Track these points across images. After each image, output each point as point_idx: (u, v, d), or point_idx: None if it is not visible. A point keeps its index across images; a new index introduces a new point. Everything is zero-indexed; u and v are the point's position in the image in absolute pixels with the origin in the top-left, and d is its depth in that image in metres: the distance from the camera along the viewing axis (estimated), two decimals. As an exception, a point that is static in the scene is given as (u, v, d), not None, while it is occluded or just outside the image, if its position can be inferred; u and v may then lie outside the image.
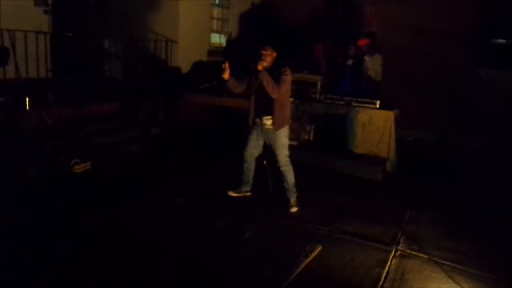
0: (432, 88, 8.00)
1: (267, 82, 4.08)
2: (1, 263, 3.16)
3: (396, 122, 6.17)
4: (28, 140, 5.07)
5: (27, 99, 5.33)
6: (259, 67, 4.08)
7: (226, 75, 4.17)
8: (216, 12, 9.56)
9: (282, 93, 4.21)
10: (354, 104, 6.27)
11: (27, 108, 5.32)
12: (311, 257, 3.54)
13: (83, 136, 5.68)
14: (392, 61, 7.13)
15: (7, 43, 5.72)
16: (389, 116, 6.11)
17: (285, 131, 4.41)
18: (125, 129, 6.42)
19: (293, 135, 6.64)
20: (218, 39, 9.75)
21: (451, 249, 3.82)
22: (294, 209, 4.50)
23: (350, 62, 6.89)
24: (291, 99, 6.59)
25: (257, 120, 4.39)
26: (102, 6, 7.80)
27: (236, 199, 4.74)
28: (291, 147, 6.31)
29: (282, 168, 4.46)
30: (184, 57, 8.07)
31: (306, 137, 6.59)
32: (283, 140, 4.41)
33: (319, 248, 3.68)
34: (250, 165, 4.63)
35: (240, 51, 9.13)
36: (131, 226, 3.92)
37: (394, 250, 3.77)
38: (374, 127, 6.17)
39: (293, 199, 4.53)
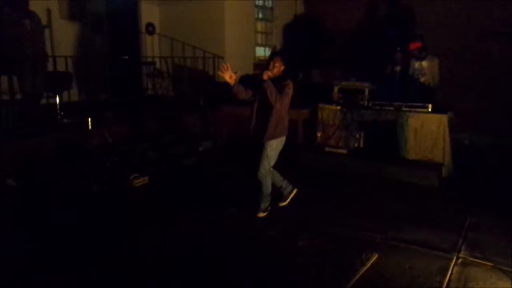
0: (489, 89, 7.67)
1: (271, 91, 4.10)
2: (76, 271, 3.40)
3: (450, 126, 5.97)
4: (91, 157, 5.44)
5: (89, 119, 5.74)
6: (265, 77, 4.12)
7: (226, 75, 4.17)
8: (260, 26, 9.76)
9: (283, 104, 4.22)
10: (404, 109, 6.14)
11: (90, 127, 5.72)
12: (368, 265, 3.50)
13: (140, 152, 6.00)
14: (445, 63, 6.91)
15: (70, 68, 6.19)
16: (442, 119, 5.93)
17: (275, 144, 4.34)
18: (179, 143, 6.69)
19: (342, 143, 6.63)
20: (263, 52, 9.93)
21: (517, 256, 3.63)
22: (261, 214, 4.49)
23: (398, 68, 6.72)
24: (338, 107, 6.62)
25: (255, 130, 4.36)
26: (153, 29, 8.23)
27: (287, 207, 4.78)
28: (341, 155, 6.40)
29: (260, 177, 4.41)
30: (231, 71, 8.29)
31: (356, 144, 6.53)
32: (269, 152, 4.33)
33: (375, 256, 3.64)
34: (272, 175, 4.58)
35: (284, 63, 9.28)
36: (191, 238, 4.08)
37: (455, 258, 3.64)
38: (427, 131, 6.00)
39: (263, 205, 4.51)
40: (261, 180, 4.47)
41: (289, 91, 4.22)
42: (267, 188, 4.51)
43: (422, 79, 6.56)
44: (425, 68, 6.49)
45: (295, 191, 4.83)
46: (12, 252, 3.65)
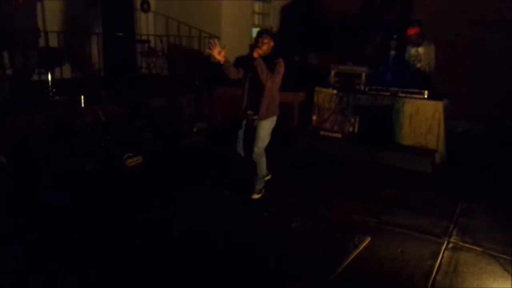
0: (483, 77, 7.66)
1: (262, 69, 4.03)
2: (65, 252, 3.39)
3: (445, 113, 5.98)
4: (84, 135, 5.37)
5: (82, 97, 5.64)
6: (255, 54, 4.03)
7: (215, 51, 4.06)
8: (257, 6, 9.61)
9: (274, 83, 4.18)
10: (400, 94, 6.12)
11: (82, 105, 5.63)
12: (360, 248, 3.54)
13: (134, 131, 5.94)
14: (440, 50, 6.88)
15: (62, 44, 6.06)
16: (437, 106, 5.93)
17: (269, 124, 4.32)
18: (174, 123, 6.63)
19: (337, 128, 6.62)
20: (259, 33, 9.81)
21: (506, 242, 3.67)
22: (256, 196, 4.48)
23: (392, 53, 6.66)
24: (335, 91, 6.59)
25: (248, 111, 4.33)
26: (148, 7, 8.06)
27: (281, 190, 4.79)
28: (335, 140, 6.40)
29: (255, 158, 4.38)
30: (227, 52, 8.18)
31: (350, 129, 6.52)
32: (264, 131, 4.31)
33: (368, 239, 3.67)
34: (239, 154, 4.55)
35: (281, 45, 9.18)
36: (181, 217, 4.07)
37: (446, 242, 3.69)
38: (422, 118, 6.00)
39: (258, 187, 4.50)
40: (255, 161, 4.44)
41: (280, 69, 4.15)
42: (262, 169, 4.49)
43: (418, 65, 6.51)
44: (421, 54, 6.44)
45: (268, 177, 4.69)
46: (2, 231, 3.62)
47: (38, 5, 6.05)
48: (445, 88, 6.70)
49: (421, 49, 6.46)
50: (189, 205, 4.33)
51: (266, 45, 4.12)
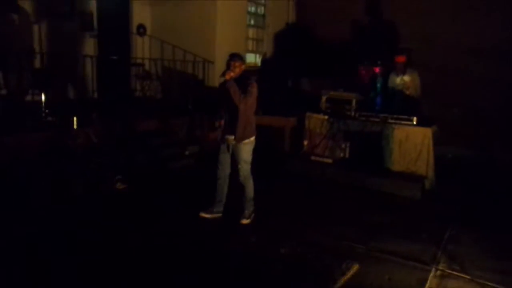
0: (472, 104, 7.82)
1: (234, 91, 4.14)
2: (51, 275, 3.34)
3: (434, 139, 6.07)
4: (75, 157, 5.36)
5: (74, 118, 5.66)
6: (227, 77, 4.15)
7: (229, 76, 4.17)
8: (251, 32, 9.80)
9: (248, 105, 4.25)
10: (390, 121, 6.22)
11: (75, 127, 5.64)
12: (348, 275, 3.52)
13: (125, 154, 5.94)
14: (429, 78, 7.04)
15: (57, 65, 6.12)
16: (426, 132, 6.02)
17: (249, 145, 4.39)
18: (166, 146, 6.64)
19: (328, 153, 6.67)
20: (253, 58, 9.97)
21: (494, 270, 3.69)
22: (245, 221, 4.48)
23: (379, 79, 6.79)
24: (326, 117, 6.67)
25: (224, 134, 4.38)
26: (144, 31, 8.19)
27: (270, 215, 4.79)
28: (326, 165, 6.45)
29: (242, 181, 4.45)
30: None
31: (341, 154, 6.58)
32: (245, 154, 4.38)
33: (356, 266, 3.66)
34: (222, 183, 4.55)
35: (274, 70, 9.33)
36: (167, 241, 4.05)
37: (434, 270, 3.69)
38: (411, 144, 6.08)
39: (247, 212, 4.51)
40: (244, 183, 4.48)
41: (253, 89, 4.24)
42: (250, 191, 4.52)
43: (407, 92, 6.63)
44: (408, 82, 6.57)
45: (221, 214, 4.63)
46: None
47: (34, 26, 6.14)
48: (435, 114, 6.83)
49: (406, 77, 6.57)
50: (177, 228, 4.31)
51: (238, 68, 4.22)
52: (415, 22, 8.32)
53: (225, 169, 4.52)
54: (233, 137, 4.32)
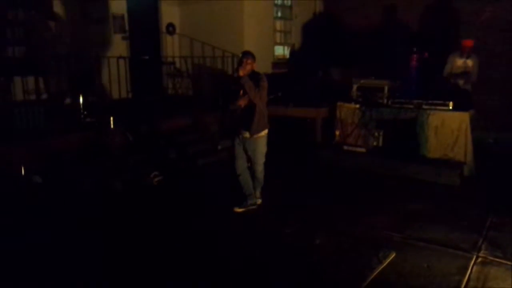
0: (509, 86, 7.48)
1: (249, 86, 4.24)
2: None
3: (473, 124, 5.87)
4: (113, 155, 5.58)
5: (111, 118, 5.88)
6: (241, 73, 4.24)
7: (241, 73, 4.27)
8: (278, 25, 9.75)
9: (262, 99, 4.38)
10: (424, 107, 6.06)
11: (111, 126, 5.86)
12: (385, 263, 3.50)
13: (160, 150, 6.11)
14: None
15: (93, 68, 6.36)
16: (464, 117, 5.83)
17: (264, 139, 4.50)
18: (198, 142, 6.78)
19: (361, 142, 6.59)
20: (281, 51, 9.93)
21: (539, 256, 3.56)
22: (260, 201, 4.71)
23: (415, 65, 6.65)
24: (357, 106, 6.59)
25: (238, 128, 4.48)
26: (173, 29, 8.35)
27: (305, 206, 4.81)
28: (359, 154, 6.38)
29: (258, 174, 4.61)
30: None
31: (374, 143, 6.48)
32: (261, 147, 4.50)
33: (393, 254, 3.62)
34: (244, 177, 4.62)
35: (303, 61, 9.27)
36: (209, 233, 4.15)
37: (475, 257, 3.59)
38: (448, 130, 5.91)
39: (258, 192, 4.74)
40: (258, 176, 4.63)
41: (264, 84, 4.37)
42: (262, 178, 4.68)
43: (466, 78, 6.52)
44: (470, 66, 6.45)
45: (255, 206, 4.72)
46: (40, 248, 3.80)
47: (71, 32, 6.40)
48: (477, 99, 6.60)
49: (470, 61, 6.44)
50: (213, 220, 4.42)
51: (250, 65, 4.32)
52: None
53: (243, 163, 4.62)
54: (247, 132, 4.41)
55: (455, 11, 8.02)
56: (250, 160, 4.61)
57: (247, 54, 4.37)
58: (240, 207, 4.66)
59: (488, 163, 6.08)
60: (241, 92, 4.35)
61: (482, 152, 6.11)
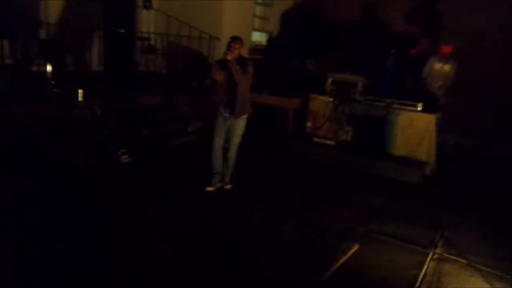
0: (478, 93, 7.80)
1: (236, 70, 4.44)
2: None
3: (438, 126, 6.10)
4: (80, 129, 5.39)
5: (80, 90, 5.66)
6: (228, 57, 4.41)
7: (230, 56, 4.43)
8: (258, 10, 9.68)
9: (247, 83, 4.59)
10: (395, 106, 6.24)
11: (80, 99, 5.65)
12: (348, 255, 3.62)
13: (130, 128, 5.97)
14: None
15: (63, 36, 6.07)
16: (430, 119, 6.04)
17: (244, 120, 4.73)
18: (169, 122, 6.67)
19: (331, 135, 6.70)
20: (259, 37, 9.88)
21: (490, 255, 3.79)
22: (229, 186, 4.86)
23: (390, 64, 6.82)
24: (330, 99, 6.69)
25: (222, 108, 4.67)
26: (150, 4, 8.08)
27: (271, 194, 4.87)
28: (328, 147, 6.50)
29: (231, 153, 4.79)
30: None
31: (344, 137, 6.61)
32: (241, 128, 4.73)
33: (356, 247, 3.75)
34: (218, 154, 4.80)
35: (280, 50, 9.26)
36: (170, 215, 4.13)
37: (431, 253, 3.79)
38: (415, 130, 6.11)
39: (228, 178, 4.88)
40: (232, 155, 4.79)
41: (251, 69, 4.59)
42: (234, 163, 4.83)
43: (441, 82, 6.73)
44: (447, 71, 6.66)
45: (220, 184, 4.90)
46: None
47: (41, -3, 6.08)
48: (445, 102, 6.83)
49: (447, 66, 6.65)
50: (176, 201, 4.39)
51: (238, 50, 4.47)
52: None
53: (220, 140, 4.78)
54: (231, 113, 4.61)
55: (438, 14, 8.21)
56: (227, 140, 4.76)
57: (235, 39, 4.48)
58: (210, 186, 4.79)
59: (449, 165, 6.36)
60: (226, 75, 4.48)
61: (444, 154, 6.37)
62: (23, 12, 5.38)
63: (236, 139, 4.75)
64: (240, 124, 4.71)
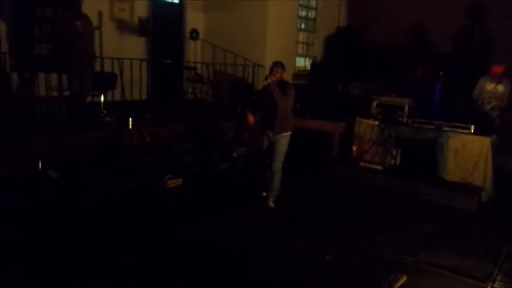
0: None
1: (276, 92, 4.81)
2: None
3: (494, 149, 5.74)
4: (129, 155, 5.62)
5: (130, 119, 5.94)
6: (269, 81, 4.84)
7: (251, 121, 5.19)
8: (301, 36, 9.77)
9: (287, 103, 4.91)
10: (445, 128, 5.96)
11: (130, 127, 5.92)
12: (396, 287, 3.42)
13: (176, 154, 6.14)
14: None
15: (115, 69, 6.44)
16: (485, 142, 5.71)
17: (285, 139, 5.00)
18: (214, 148, 6.79)
19: (378, 159, 6.51)
20: (303, 62, 9.93)
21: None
22: (272, 205, 5.08)
23: (439, 85, 6.58)
24: (376, 122, 6.52)
25: (267, 130, 5.09)
26: (196, 35, 8.42)
27: (317, 220, 4.76)
28: (376, 171, 6.30)
29: (274, 170, 5.03)
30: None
31: (392, 161, 6.38)
32: (282, 146, 4.99)
33: (404, 278, 3.54)
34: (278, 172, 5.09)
35: (324, 74, 9.23)
36: (217, 238, 4.13)
37: (489, 288, 3.49)
38: (468, 153, 5.79)
39: (272, 198, 5.10)
40: (275, 172, 5.03)
41: (292, 91, 4.95)
42: (279, 180, 5.07)
43: (494, 103, 6.44)
44: (500, 92, 6.34)
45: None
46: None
47: (96, 32, 6.51)
48: (501, 123, 6.46)
49: (500, 87, 6.34)
50: (221, 228, 4.40)
51: (279, 74, 4.90)
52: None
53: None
54: (271, 132, 4.98)
55: (488, 33, 7.87)
56: (271, 157, 5.08)
57: (277, 63, 4.94)
58: (271, 202, 5.13)
59: (508, 191, 5.91)
60: (269, 98, 4.88)
61: (502, 178, 5.95)
62: (80, 47, 5.76)
63: (279, 156, 4.99)
64: (281, 142, 4.96)
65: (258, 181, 5.67)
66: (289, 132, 5.01)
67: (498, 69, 6.31)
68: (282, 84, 4.91)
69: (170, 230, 4.27)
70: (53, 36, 6.06)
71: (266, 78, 4.93)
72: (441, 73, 6.52)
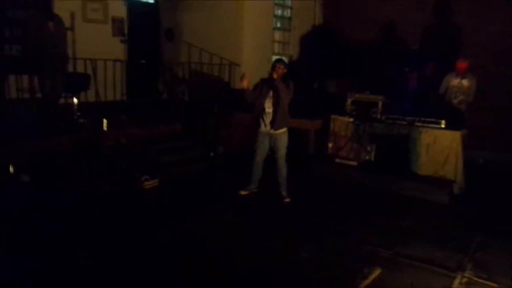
0: (508, 109, 7.55)
1: (282, 88, 4.97)
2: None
3: (464, 143, 5.91)
4: (104, 157, 5.55)
5: (104, 120, 5.86)
6: (275, 76, 4.95)
7: (245, 84, 5.07)
8: (277, 35, 9.81)
9: (288, 100, 5.08)
10: (417, 124, 6.11)
11: (105, 128, 5.84)
12: (370, 280, 3.49)
13: (152, 154, 6.09)
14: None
15: (89, 70, 6.35)
16: (455, 136, 5.87)
17: (286, 134, 5.21)
18: (191, 148, 6.76)
19: (353, 155, 6.61)
20: (279, 61, 9.99)
21: (523, 279, 3.57)
22: (288, 200, 5.24)
23: (413, 86, 6.75)
24: (351, 119, 6.63)
25: (264, 124, 5.18)
26: (171, 35, 8.37)
27: (293, 216, 4.81)
28: (351, 167, 6.40)
29: (280, 164, 5.23)
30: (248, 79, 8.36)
31: (366, 157, 6.50)
32: (284, 141, 5.19)
33: (379, 271, 3.62)
34: (259, 166, 5.33)
35: (300, 72, 9.31)
36: (195, 237, 4.13)
37: (460, 277, 3.60)
38: (439, 147, 5.95)
39: (285, 192, 5.29)
40: (281, 167, 5.23)
41: (292, 88, 5.10)
42: (286, 173, 5.27)
43: (460, 97, 6.59)
44: (465, 86, 6.51)
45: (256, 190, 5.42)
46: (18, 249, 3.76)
47: (69, 33, 6.40)
48: (470, 117, 6.65)
49: (465, 82, 6.51)
50: (197, 227, 4.40)
51: (281, 70, 5.02)
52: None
53: (262, 155, 5.30)
54: (272, 128, 5.11)
55: (455, 29, 8.09)
56: (274, 153, 5.27)
57: (279, 60, 5.16)
58: (244, 190, 5.37)
59: (478, 183, 6.11)
60: (272, 93, 5.05)
61: (472, 171, 6.13)
62: (52, 48, 5.65)
63: (281, 151, 5.20)
64: (282, 137, 5.17)
65: (236, 180, 5.70)
66: (287, 127, 5.21)
67: (462, 64, 6.49)
68: (283, 81, 5.05)
69: (145, 231, 4.24)
70: (24, 37, 5.93)
71: (270, 74, 5.00)
72: (406, 69, 6.67)
